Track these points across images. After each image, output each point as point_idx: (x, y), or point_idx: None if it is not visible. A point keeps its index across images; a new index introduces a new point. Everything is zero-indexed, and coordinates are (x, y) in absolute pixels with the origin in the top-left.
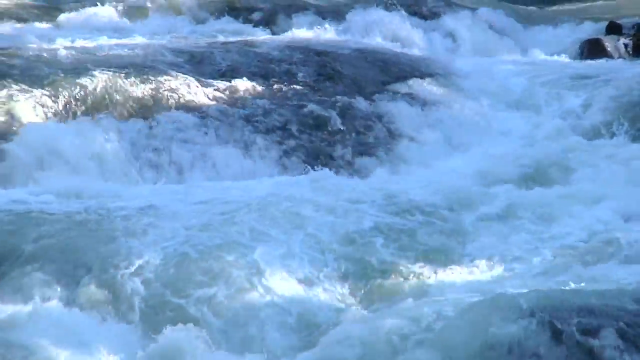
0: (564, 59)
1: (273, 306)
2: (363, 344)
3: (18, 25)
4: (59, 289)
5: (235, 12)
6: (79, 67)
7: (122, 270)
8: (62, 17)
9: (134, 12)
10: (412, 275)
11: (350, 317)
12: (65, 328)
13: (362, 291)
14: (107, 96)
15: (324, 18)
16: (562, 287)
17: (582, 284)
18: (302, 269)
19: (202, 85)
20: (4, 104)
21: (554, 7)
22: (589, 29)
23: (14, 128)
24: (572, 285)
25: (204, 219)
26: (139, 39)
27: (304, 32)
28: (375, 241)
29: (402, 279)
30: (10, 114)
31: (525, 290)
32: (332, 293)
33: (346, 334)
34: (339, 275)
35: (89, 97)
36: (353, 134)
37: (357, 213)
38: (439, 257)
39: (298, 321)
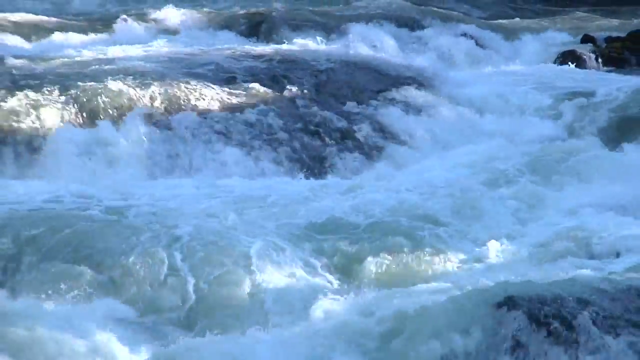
0: (542, 68)
1: (265, 288)
2: (346, 325)
3: (53, 37)
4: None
5: (245, 26)
6: (107, 75)
7: (129, 261)
8: (97, 30)
9: (160, 27)
10: (399, 265)
11: (336, 300)
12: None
13: (348, 278)
14: (128, 100)
15: (325, 31)
16: (540, 278)
17: (559, 275)
18: (299, 256)
19: (213, 92)
20: (37, 108)
21: (535, 20)
22: (566, 40)
23: (45, 130)
24: (550, 276)
25: (213, 211)
26: (162, 50)
27: (306, 43)
28: (364, 234)
29: (389, 269)
30: (39, 115)
31: (506, 281)
32: (318, 278)
33: (327, 313)
34: (325, 264)
35: (115, 102)
36: (350, 137)
37: (349, 209)
38: (427, 249)
39: (287, 299)
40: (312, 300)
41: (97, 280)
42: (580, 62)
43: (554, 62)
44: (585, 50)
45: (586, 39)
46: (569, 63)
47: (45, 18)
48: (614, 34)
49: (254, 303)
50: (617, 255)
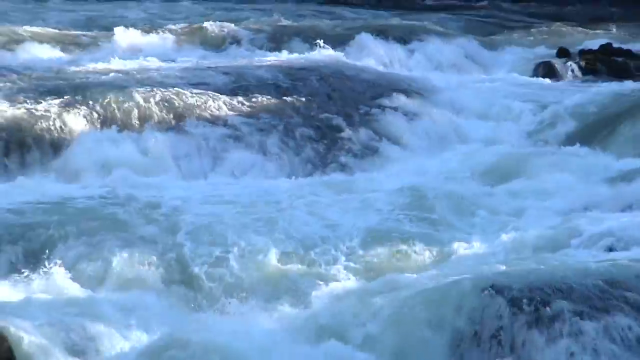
0: (521, 77)
1: (272, 274)
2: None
3: (76, 50)
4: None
5: (255, 39)
6: (127, 84)
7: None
8: (116, 43)
9: (177, 40)
10: (394, 256)
11: (336, 287)
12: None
13: (348, 267)
14: (146, 106)
15: (327, 44)
16: (521, 268)
17: (539, 265)
18: (302, 246)
19: (225, 100)
20: (58, 112)
21: (515, 34)
22: (543, 53)
23: (68, 133)
24: (530, 266)
25: (224, 207)
26: (178, 61)
27: (311, 55)
28: (361, 228)
29: (384, 259)
30: (64, 121)
31: (490, 271)
32: (320, 267)
33: (328, 299)
34: (327, 254)
35: (134, 110)
36: (344, 140)
37: (348, 205)
38: (420, 242)
39: (291, 285)
40: (314, 286)
41: (128, 266)
42: (555, 73)
43: (532, 73)
44: (560, 62)
45: (561, 52)
46: (545, 74)
47: (66, 32)
48: (587, 47)
49: (261, 288)
50: (591, 245)
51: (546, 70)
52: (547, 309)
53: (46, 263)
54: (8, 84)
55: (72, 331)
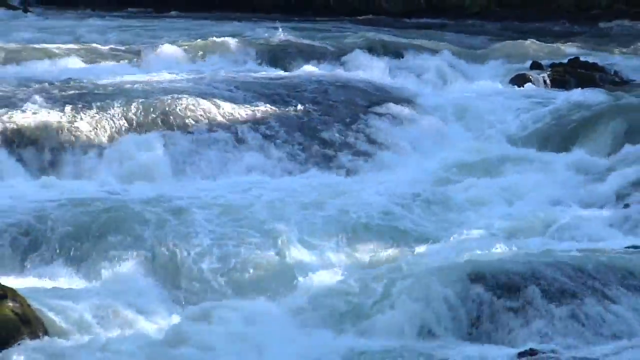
0: (500, 87)
1: (277, 264)
2: (339, 294)
3: (103, 63)
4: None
5: (260, 54)
6: (151, 93)
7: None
8: (139, 56)
9: (193, 54)
10: (386, 247)
11: (335, 275)
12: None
13: (345, 257)
14: (165, 114)
15: (325, 59)
16: (499, 257)
17: (514, 255)
18: (305, 238)
19: (233, 108)
20: (89, 118)
21: (494, 49)
22: (518, 66)
23: (98, 137)
24: (506, 255)
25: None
26: (195, 73)
27: (310, 69)
28: (356, 223)
29: (377, 250)
30: (95, 126)
31: (471, 260)
32: (321, 256)
33: (328, 286)
34: (326, 245)
35: (152, 113)
36: (344, 144)
37: (344, 203)
38: (409, 236)
39: (295, 274)
40: (316, 274)
41: (148, 257)
42: (530, 83)
43: (509, 83)
44: (534, 73)
45: (535, 64)
46: (521, 84)
47: (98, 46)
48: (557, 60)
49: (268, 276)
50: (561, 237)
51: (522, 80)
52: (522, 294)
53: (76, 255)
54: (43, 93)
55: (98, 313)
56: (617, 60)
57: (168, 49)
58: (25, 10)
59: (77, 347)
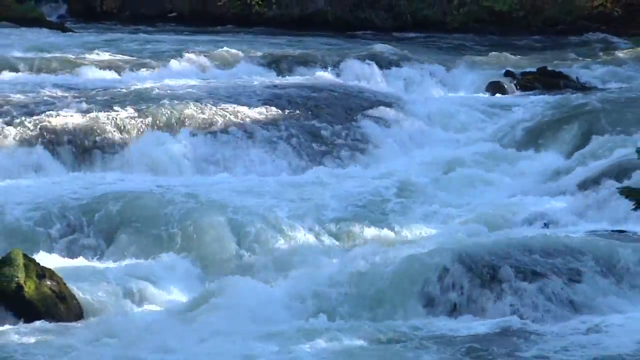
0: (476, 93)
1: (282, 247)
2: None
3: (131, 72)
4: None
5: (268, 62)
6: (170, 97)
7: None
8: (161, 65)
9: (209, 63)
10: (376, 233)
11: (332, 258)
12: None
13: (340, 242)
14: (184, 116)
15: (323, 66)
16: (476, 241)
17: (490, 238)
18: (306, 225)
19: (244, 110)
20: (117, 120)
21: (471, 60)
22: (493, 74)
23: (124, 136)
24: (483, 239)
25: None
26: (210, 80)
27: (307, 76)
28: (350, 210)
29: (368, 236)
30: (122, 126)
31: (451, 243)
32: (320, 241)
33: (325, 267)
34: (325, 231)
35: (173, 115)
36: (340, 143)
37: (340, 192)
38: (394, 223)
39: (297, 256)
40: (315, 257)
41: (168, 240)
42: (503, 90)
43: (485, 90)
44: (507, 81)
45: (507, 73)
46: (496, 90)
47: (125, 57)
48: (528, 69)
49: (274, 258)
50: (531, 223)
51: (496, 87)
52: (496, 273)
53: (106, 238)
54: (77, 98)
55: (126, 290)
56: (579, 69)
57: (188, 60)
58: (62, 26)
59: (107, 323)
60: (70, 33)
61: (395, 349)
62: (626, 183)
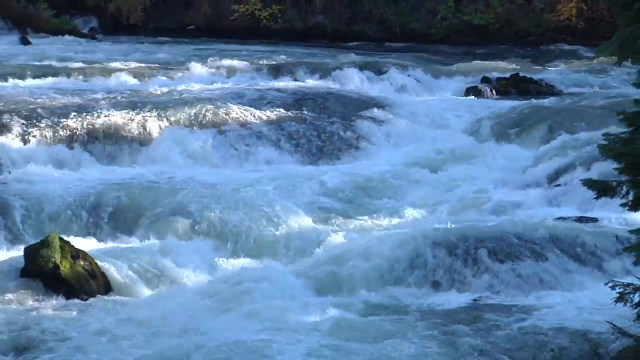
0: (457, 97)
1: (287, 231)
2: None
3: (154, 77)
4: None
5: (272, 69)
6: (187, 100)
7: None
8: (181, 71)
9: (219, 70)
10: (370, 218)
11: (331, 241)
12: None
13: (339, 227)
14: (201, 116)
15: (322, 73)
16: (455, 226)
17: (467, 224)
18: (308, 211)
19: (253, 111)
20: (142, 120)
21: (452, 67)
22: (471, 79)
23: (148, 134)
24: (461, 225)
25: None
26: (222, 85)
27: (312, 82)
28: (347, 198)
29: (363, 221)
30: (146, 125)
31: (433, 228)
32: (320, 226)
33: (326, 249)
34: (325, 217)
35: (191, 116)
36: (338, 139)
37: (338, 183)
38: (384, 210)
39: (300, 240)
40: (316, 240)
41: (187, 225)
42: (480, 94)
43: (464, 93)
44: (484, 86)
45: (484, 79)
46: (473, 94)
47: (149, 64)
48: (502, 76)
49: (282, 239)
50: (504, 211)
51: (474, 91)
52: (473, 255)
53: (133, 224)
54: (108, 100)
55: (150, 270)
56: (547, 75)
57: (205, 67)
58: (94, 37)
59: (133, 300)
60: (100, 43)
61: (385, 319)
62: (589, 175)
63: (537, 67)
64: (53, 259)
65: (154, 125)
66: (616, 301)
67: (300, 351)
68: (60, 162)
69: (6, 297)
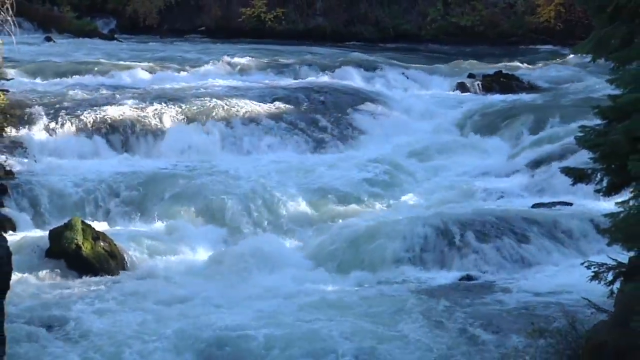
0: (446, 92)
1: (288, 213)
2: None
3: (168, 73)
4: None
5: (274, 67)
6: (198, 95)
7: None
8: (193, 69)
9: (230, 68)
10: (365, 203)
11: (329, 223)
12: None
13: (338, 210)
14: (211, 109)
15: (322, 71)
16: (444, 211)
17: (455, 209)
18: (307, 197)
19: (259, 105)
20: (157, 113)
21: (441, 65)
22: (459, 77)
23: (163, 126)
24: (450, 210)
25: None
26: (230, 81)
27: (312, 78)
28: (344, 184)
29: (357, 205)
30: (161, 118)
31: (424, 212)
32: (318, 209)
33: (324, 229)
34: (324, 201)
35: (202, 110)
36: (336, 131)
37: (336, 171)
38: (377, 194)
39: (300, 220)
40: (315, 220)
41: (198, 209)
42: (467, 89)
43: (452, 89)
44: (470, 82)
45: (470, 76)
46: (460, 89)
47: (164, 62)
48: (487, 73)
49: (283, 222)
50: (489, 196)
51: (461, 87)
52: (461, 236)
53: (147, 208)
54: (125, 95)
55: (163, 250)
56: (528, 72)
57: (215, 65)
58: (113, 37)
59: (149, 277)
60: (119, 43)
61: (379, 294)
62: (566, 163)
63: (519, 65)
64: (75, 241)
65: (168, 117)
66: (591, 279)
67: (285, 314)
68: (82, 152)
69: (32, 275)
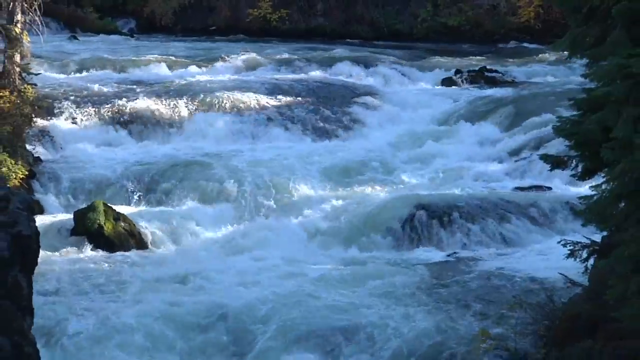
0: (434, 86)
1: (293, 197)
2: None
3: (183, 69)
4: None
5: (279, 63)
6: (211, 89)
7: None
8: (205, 65)
9: (239, 64)
10: (361, 188)
11: (329, 205)
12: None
13: (338, 194)
14: (220, 102)
15: (322, 66)
16: (435, 194)
17: (444, 192)
18: (312, 182)
19: (264, 98)
20: (173, 105)
21: (430, 61)
22: (446, 72)
23: (178, 116)
24: (440, 193)
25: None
26: (236, 77)
27: (313, 73)
28: (344, 170)
29: (355, 190)
30: (176, 109)
31: (416, 195)
32: (322, 192)
33: (326, 210)
34: (327, 186)
35: (214, 102)
36: (334, 122)
37: (337, 158)
38: (373, 178)
39: (304, 203)
40: (318, 202)
41: (210, 192)
42: (454, 84)
43: (440, 83)
44: (457, 77)
45: (457, 71)
46: (448, 84)
47: (179, 59)
48: (472, 69)
49: (287, 203)
50: (474, 181)
51: (449, 82)
52: (449, 216)
53: (165, 191)
54: (145, 88)
55: (180, 230)
56: (510, 68)
57: (226, 61)
58: (132, 35)
59: (166, 254)
60: (138, 41)
61: (370, 271)
62: (545, 151)
63: (501, 61)
64: (98, 221)
65: (184, 109)
66: (567, 256)
67: (289, 287)
68: (105, 140)
69: (59, 253)
